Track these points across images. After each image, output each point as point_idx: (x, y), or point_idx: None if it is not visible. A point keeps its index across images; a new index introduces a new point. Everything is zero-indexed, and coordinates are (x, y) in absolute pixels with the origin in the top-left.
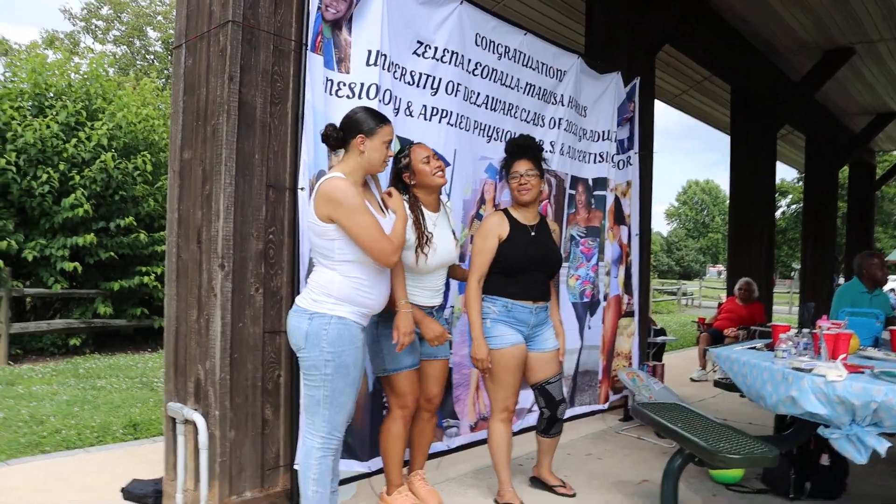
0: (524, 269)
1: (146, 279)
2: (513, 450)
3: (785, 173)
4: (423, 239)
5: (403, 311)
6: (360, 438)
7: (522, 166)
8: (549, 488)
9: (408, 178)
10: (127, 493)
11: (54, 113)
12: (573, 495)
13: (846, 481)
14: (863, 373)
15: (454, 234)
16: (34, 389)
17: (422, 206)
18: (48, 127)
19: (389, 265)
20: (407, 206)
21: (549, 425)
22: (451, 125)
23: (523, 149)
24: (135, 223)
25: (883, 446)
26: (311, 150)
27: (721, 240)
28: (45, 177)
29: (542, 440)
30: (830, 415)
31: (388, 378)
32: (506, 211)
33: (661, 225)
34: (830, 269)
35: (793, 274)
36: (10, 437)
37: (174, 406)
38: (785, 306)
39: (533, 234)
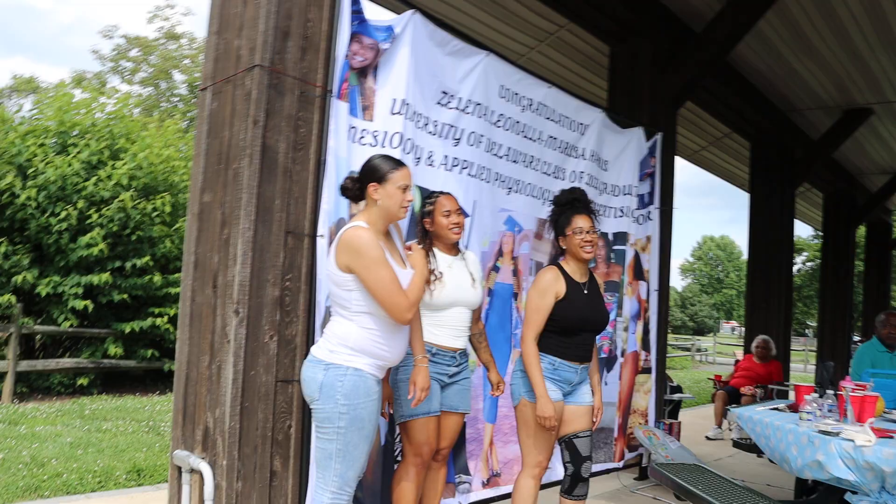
0: (577, 330)
1: (158, 321)
2: None
3: (800, 230)
4: (427, 275)
5: (420, 365)
6: (372, 493)
7: (585, 222)
8: None
9: (428, 224)
10: None
11: (77, 151)
12: None
13: None
14: (892, 437)
15: (473, 277)
16: (38, 430)
17: (434, 248)
18: (70, 165)
19: (403, 322)
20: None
21: (573, 484)
22: (472, 176)
23: (584, 204)
24: (150, 263)
25: None
26: (332, 198)
27: (735, 296)
28: (63, 214)
29: (564, 502)
30: (859, 481)
31: (405, 424)
32: (559, 266)
33: (675, 280)
34: (848, 328)
35: (807, 331)
36: (7, 479)
37: (180, 454)
38: (800, 364)
39: (585, 291)
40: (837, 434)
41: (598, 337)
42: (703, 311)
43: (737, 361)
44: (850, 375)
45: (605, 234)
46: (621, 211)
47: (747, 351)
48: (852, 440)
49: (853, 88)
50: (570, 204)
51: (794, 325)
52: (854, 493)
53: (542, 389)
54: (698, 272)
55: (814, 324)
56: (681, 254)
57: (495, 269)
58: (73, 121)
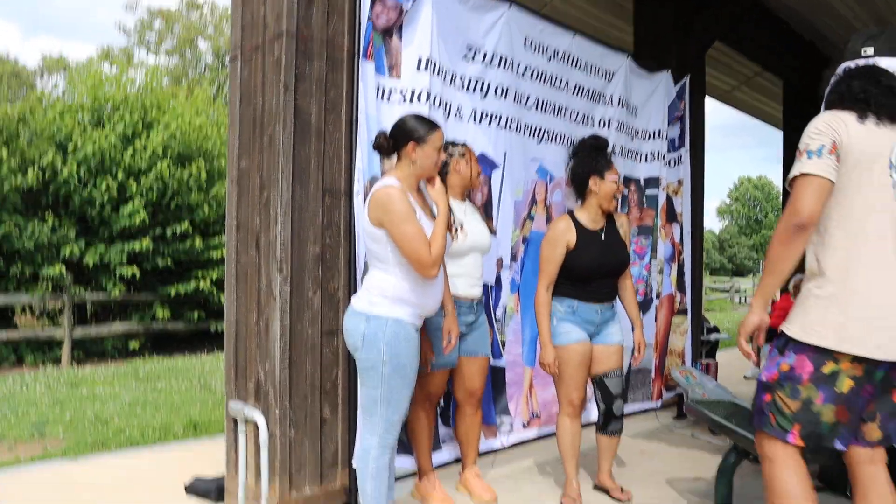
0: (591, 277)
1: (202, 283)
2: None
3: None
4: (449, 223)
5: (452, 314)
6: None
7: (616, 171)
8: (607, 491)
9: (458, 170)
10: (190, 489)
11: (112, 125)
12: (629, 501)
13: None
14: None
15: (485, 222)
16: (97, 391)
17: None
18: (106, 138)
19: (429, 277)
20: None
21: (606, 421)
22: (501, 128)
23: (606, 154)
24: (190, 229)
25: None
26: (365, 156)
27: None
28: (104, 186)
29: (599, 438)
30: None
31: (422, 374)
32: (572, 214)
33: (713, 222)
34: None
35: None
36: (77, 435)
37: (235, 405)
38: None
39: (603, 238)
40: None
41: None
42: (741, 253)
43: (774, 302)
44: None
45: (636, 180)
46: (652, 155)
47: (784, 290)
48: None
49: (888, 14)
50: (603, 151)
51: None
52: None
53: (545, 337)
54: (736, 213)
55: None
56: (717, 195)
57: (530, 217)
58: (106, 96)
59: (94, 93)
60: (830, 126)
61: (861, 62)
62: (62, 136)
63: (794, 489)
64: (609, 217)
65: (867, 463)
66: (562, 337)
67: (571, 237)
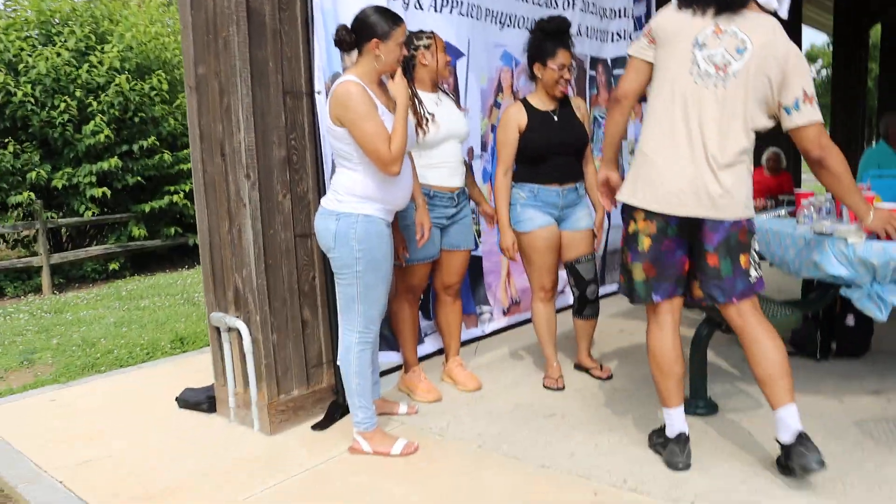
0: (548, 155)
1: (175, 198)
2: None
3: (814, 38)
4: (418, 117)
5: (423, 207)
6: None
7: (564, 58)
8: (587, 370)
9: (425, 61)
10: (181, 401)
11: (63, 40)
12: (608, 377)
13: (870, 340)
14: None
15: (459, 108)
16: (82, 315)
17: (416, 88)
18: (59, 55)
19: (390, 174)
20: None
21: (581, 306)
22: (463, 15)
23: (562, 37)
24: (157, 143)
25: None
26: (324, 54)
27: None
28: (62, 105)
29: (575, 322)
30: (852, 275)
31: (405, 268)
32: (524, 100)
33: None
34: (861, 134)
35: None
36: (66, 360)
37: (216, 316)
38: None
39: (556, 118)
40: (831, 234)
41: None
42: None
43: None
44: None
45: (604, 60)
46: (619, 35)
47: (757, 164)
48: (845, 238)
49: None
50: (558, 35)
51: None
52: (849, 287)
53: (504, 221)
54: None
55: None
56: None
57: (497, 105)
58: (52, 8)
59: (38, 5)
60: (656, 15)
61: None
62: (10, 55)
63: (654, 344)
64: (564, 99)
65: (736, 317)
66: (526, 223)
67: (522, 119)
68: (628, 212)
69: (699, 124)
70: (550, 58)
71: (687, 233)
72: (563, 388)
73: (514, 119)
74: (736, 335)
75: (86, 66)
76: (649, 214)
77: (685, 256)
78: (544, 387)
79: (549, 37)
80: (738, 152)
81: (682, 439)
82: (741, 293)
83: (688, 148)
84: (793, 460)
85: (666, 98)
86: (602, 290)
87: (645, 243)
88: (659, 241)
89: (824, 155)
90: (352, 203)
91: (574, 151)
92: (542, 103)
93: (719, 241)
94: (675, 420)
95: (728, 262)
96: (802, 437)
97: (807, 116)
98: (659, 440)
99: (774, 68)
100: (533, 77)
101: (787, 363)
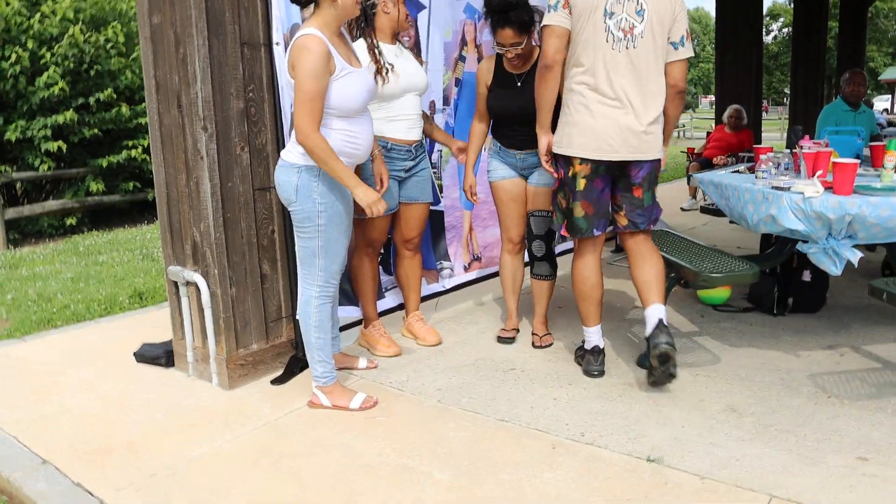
0: (506, 121)
1: (133, 152)
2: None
3: None
4: (379, 65)
5: (379, 158)
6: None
7: (504, 38)
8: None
9: (386, 10)
10: (139, 356)
11: None
12: (545, 346)
13: (826, 295)
14: None
15: (420, 61)
16: (38, 270)
17: (376, 39)
18: (8, 3)
19: (297, 139)
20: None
21: (531, 262)
22: None
23: (504, 15)
24: (114, 96)
25: (856, 256)
26: (282, 4)
27: (712, 70)
28: (14, 56)
29: (531, 282)
30: (808, 230)
31: (363, 221)
32: (499, 56)
33: None
34: (820, 91)
35: (785, 100)
36: (21, 315)
37: (174, 269)
38: (777, 132)
39: (519, 84)
40: (789, 189)
41: None
42: None
43: (709, 133)
44: (812, 136)
45: None
46: None
47: (719, 122)
48: (802, 192)
49: None
50: (499, 13)
51: (771, 94)
52: (805, 242)
53: (468, 165)
54: None
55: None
56: None
57: (461, 58)
58: None
59: None
60: None
61: None
62: None
63: (580, 273)
64: (535, 66)
65: (631, 239)
66: (490, 174)
67: (488, 77)
68: (565, 159)
69: (621, 84)
70: (494, 35)
71: (614, 172)
72: (514, 339)
73: (483, 75)
74: (694, 289)
75: (38, 15)
76: (584, 160)
77: (609, 192)
78: (497, 338)
79: (491, 14)
80: (657, 102)
81: (597, 351)
82: (655, 219)
83: (615, 103)
84: (649, 346)
85: (589, 60)
86: (561, 247)
87: (581, 184)
88: (591, 181)
89: (684, 87)
90: None
91: (533, 122)
92: (511, 65)
93: (643, 176)
94: (593, 336)
95: (649, 194)
96: (661, 323)
97: (688, 52)
98: (580, 353)
99: (668, 18)
100: None
101: (664, 276)
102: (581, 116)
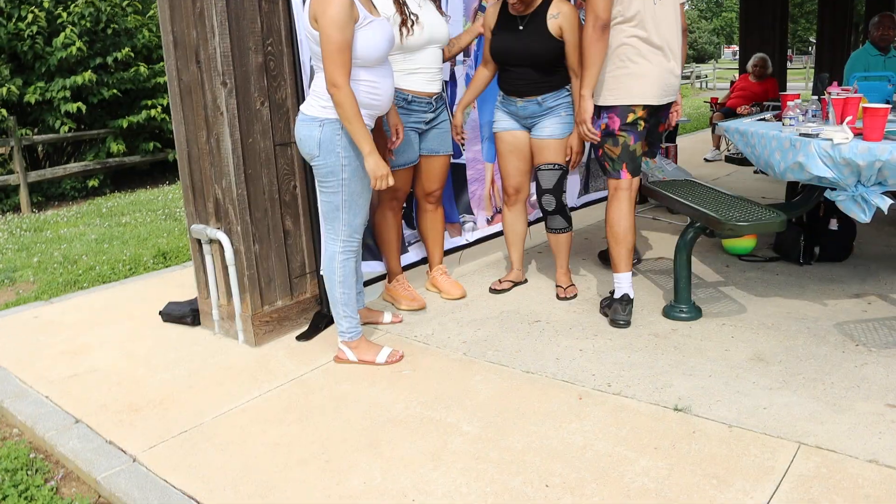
0: (505, 63)
1: (153, 112)
2: (526, 236)
3: None
4: (404, 16)
5: (393, 109)
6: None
7: None
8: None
9: None
10: (165, 315)
11: None
12: (570, 298)
13: (853, 244)
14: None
15: (442, 12)
16: (62, 233)
17: None
18: None
19: (328, 90)
20: None
21: (543, 217)
22: None
23: None
24: (132, 55)
25: (886, 203)
26: None
27: (735, 19)
28: (30, 17)
29: (548, 236)
30: (837, 177)
31: None
32: (504, 1)
33: None
34: (847, 39)
35: (810, 49)
36: (48, 278)
37: (197, 228)
38: (802, 83)
39: (521, 27)
40: (817, 136)
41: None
42: (702, 38)
43: (732, 82)
44: (840, 82)
45: None
46: None
47: (743, 72)
48: (830, 139)
49: None
50: None
51: (795, 42)
52: (833, 189)
53: (460, 105)
54: None
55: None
56: None
57: (481, 8)
58: None
59: None
60: None
61: None
62: None
63: (615, 216)
64: (541, 7)
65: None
66: (494, 124)
67: (490, 20)
68: (623, 108)
69: (663, 34)
70: None
71: (654, 112)
72: (507, 290)
73: (487, 20)
74: (719, 239)
75: None
76: (646, 105)
77: None
78: (490, 289)
79: None
80: (680, 46)
81: (626, 300)
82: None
83: (661, 51)
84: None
85: (637, 15)
86: (584, 199)
87: (641, 125)
88: (646, 123)
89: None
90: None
91: (532, 64)
92: (514, 7)
93: (667, 114)
94: (623, 283)
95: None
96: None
97: None
98: (606, 303)
99: None
100: None
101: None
102: (639, 67)
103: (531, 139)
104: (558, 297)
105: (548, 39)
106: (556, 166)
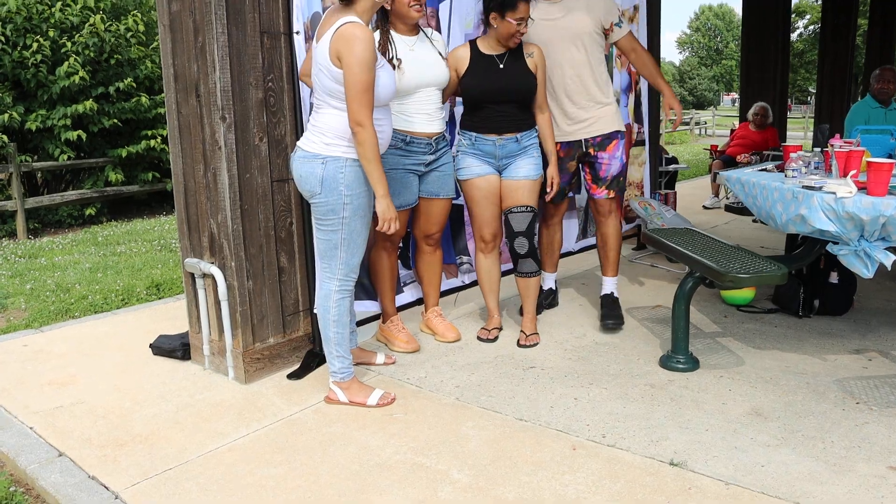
0: (484, 101)
1: (153, 142)
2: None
3: None
4: (388, 58)
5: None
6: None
7: (524, 11)
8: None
9: (388, 3)
10: (155, 348)
11: None
12: (530, 346)
13: (854, 298)
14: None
15: (441, 54)
16: (56, 260)
17: (392, 31)
18: None
19: (352, 128)
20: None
21: (514, 260)
22: None
23: None
24: (134, 86)
25: (889, 259)
26: None
27: (735, 67)
28: (35, 45)
29: (516, 280)
30: (840, 231)
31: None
32: (472, 42)
33: (672, 54)
34: (848, 90)
35: (809, 99)
36: (40, 306)
37: (191, 262)
38: (801, 132)
39: (501, 65)
40: (820, 188)
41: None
42: (702, 85)
43: (732, 131)
44: (842, 134)
45: None
46: None
47: (743, 120)
48: (834, 192)
49: None
50: None
51: (795, 92)
52: (835, 243)
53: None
54: (696, 44)
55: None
56: (677, 26)
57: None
58: None
59: None
60: None
61: None
62: None
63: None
64: (519, 46)
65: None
66: (462, 171)
67: (462, 64)
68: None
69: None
70: (510, 10)
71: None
72: (495, 339)
73: (454, 63)
74: (718, 290)
75: (59, 4)
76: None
77: None
78: (477, 338)
79: None
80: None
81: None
82: None
83: None
84: None
85: None
86: (582, 244)
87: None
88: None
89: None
90: (341, 147)
91: (516, 100)
92: (489, 47)
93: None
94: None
95: None
96: None
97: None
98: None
99: None
100: (487, 24)
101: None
102: None
103: (502, 181)
104: (519, 345)
105: (529, 75)
106: (529, 209)
